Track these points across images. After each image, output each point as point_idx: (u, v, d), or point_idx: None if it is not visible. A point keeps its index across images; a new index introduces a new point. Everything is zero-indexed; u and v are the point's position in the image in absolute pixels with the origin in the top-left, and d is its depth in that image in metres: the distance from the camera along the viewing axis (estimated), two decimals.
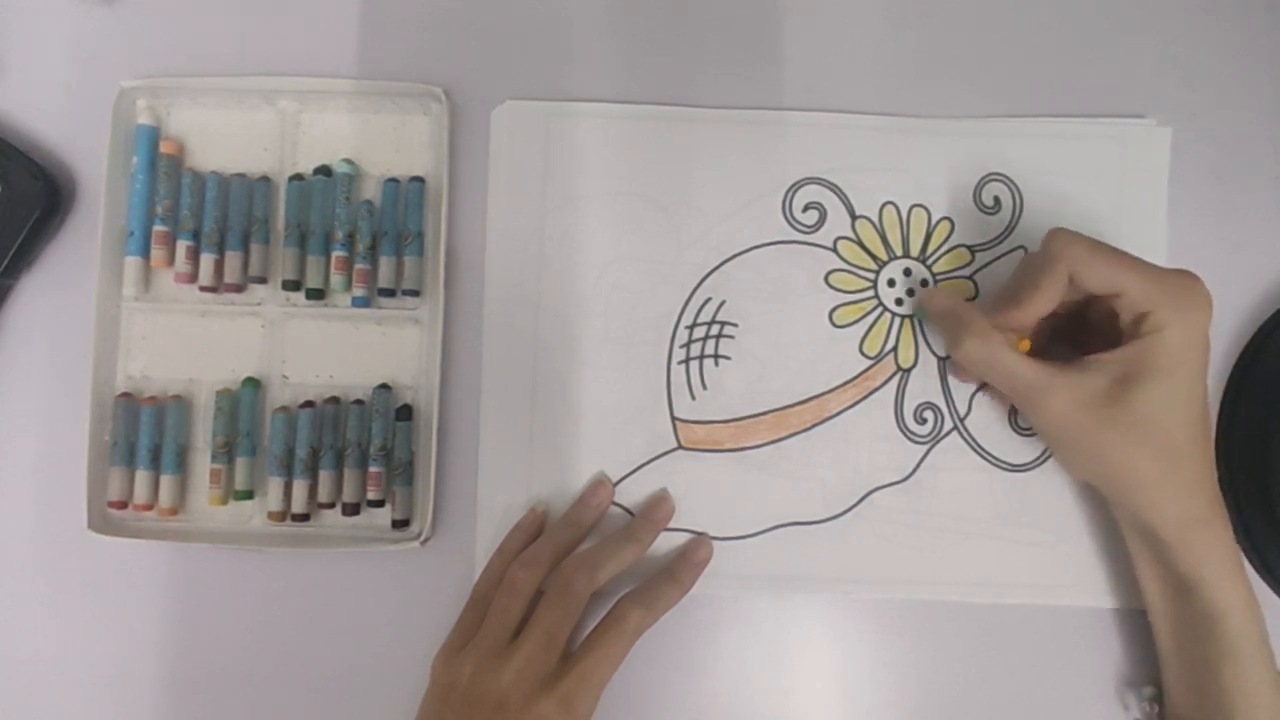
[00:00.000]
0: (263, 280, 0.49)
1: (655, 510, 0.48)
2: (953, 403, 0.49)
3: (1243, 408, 0.48)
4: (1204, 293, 0.42)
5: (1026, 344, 0.44)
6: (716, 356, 0.49)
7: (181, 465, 0.48)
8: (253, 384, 0.48)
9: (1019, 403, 0.44)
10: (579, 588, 0.44)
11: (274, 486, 0.47)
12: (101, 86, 0.48)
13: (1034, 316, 0.43)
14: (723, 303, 0.49)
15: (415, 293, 0.48)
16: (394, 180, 0.49)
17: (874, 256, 0.49)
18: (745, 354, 0.49)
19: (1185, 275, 0.42)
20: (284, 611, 0.48)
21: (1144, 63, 0.50)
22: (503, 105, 0.50)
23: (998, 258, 0.49)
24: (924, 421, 0.49)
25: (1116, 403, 0.41)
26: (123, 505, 0.47)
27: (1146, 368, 0.41)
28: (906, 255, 0.49)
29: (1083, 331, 0.46)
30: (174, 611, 0.48)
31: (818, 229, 0.49)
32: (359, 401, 0.48)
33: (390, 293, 0.48)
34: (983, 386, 0.49)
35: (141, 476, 0.47)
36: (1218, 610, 0.42)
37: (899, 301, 0.49)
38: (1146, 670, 0.47)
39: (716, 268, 0.49)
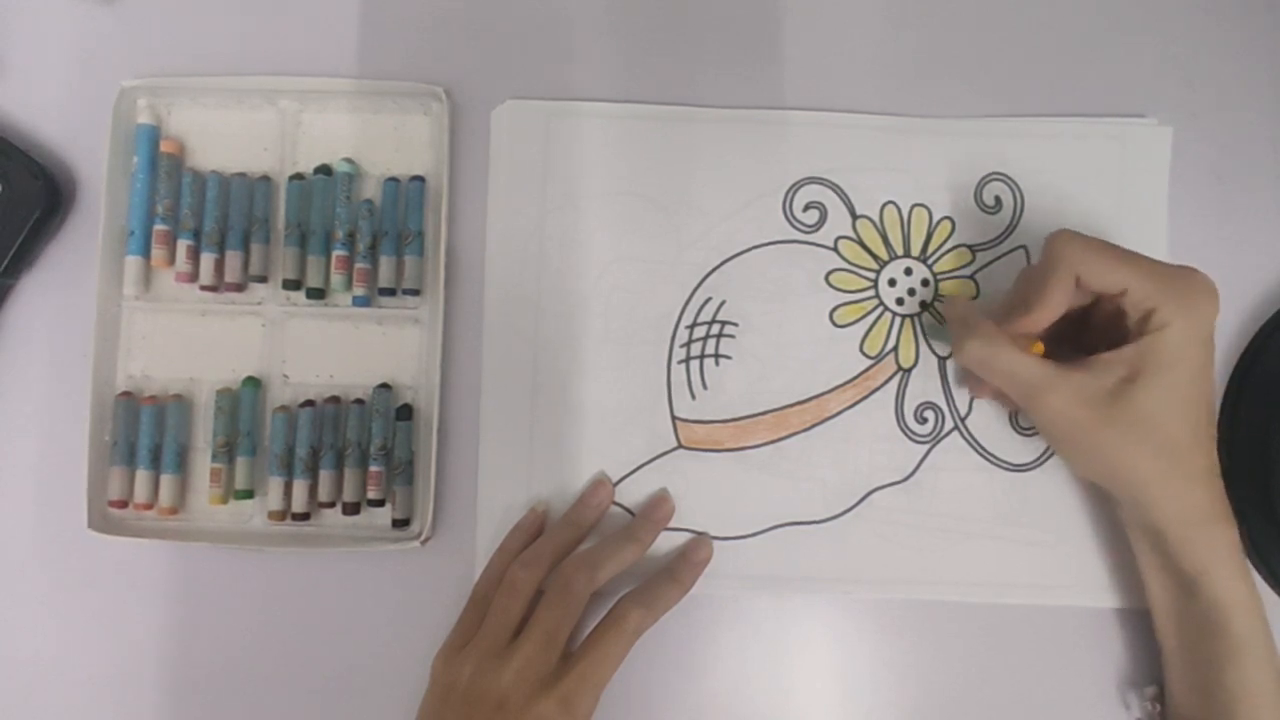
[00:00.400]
0: (263, 279, 0.49)
1: (655, 510, 0.48)
2: (953, 402, 0.49)
3: (1243, 409, 0.48)
4: (1210, 289, 0.42)
5: (1040, 347, 0.44)
6: (717, 356, 0.49)
7: (182, 464, 0.48)
8: (253, 383, 0.48)
9: (1022, 402, 0.44)
10: (579, 588, 0.44)
11: (274, 486, 0.47)
12: (102, 86, 0.48)
13: (1045, 322, 0.43)
14: (723, 302, 0.49)
15: (415, 292, 0.48)
16: (394, 180, 0.49)
17: (875, 256, 0.49)
18: (745, 354, 0.49)
19: (1191, 271, 0.42)
20: (284, 611, 0.48)
21: (1144, 63, 0.50)
22: (503, 105, 0.50)
23: (999, 257, 0.49)
24: (924, 421, 0.49)
25: (1118, 401, 0.41)
26: (123, 504, 0.47)
27: (1149, 364, 0.41)
28: (907, 255, 0.49)
29: (1086, 334, 0.46)
30: (174, 611, 0.48)
31: (818, 228, 0.49)
32: (359, 401, 0.48)
33: (390, 292, 0.48)
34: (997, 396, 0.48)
35: (142, 476, 0.47)
36: (1223, 609, 0.42)
37: (900, 301, 0.49)
38: (1147, 670, 0.47)
39: (717, 267, 0.49)
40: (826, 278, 0.49)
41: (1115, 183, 0.49)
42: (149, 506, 0.48)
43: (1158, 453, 0.42)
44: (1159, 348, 0.41)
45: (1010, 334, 0.43)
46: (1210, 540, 0.42)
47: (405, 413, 0.48)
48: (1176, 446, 0.42)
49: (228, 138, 0.50)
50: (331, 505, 0.48)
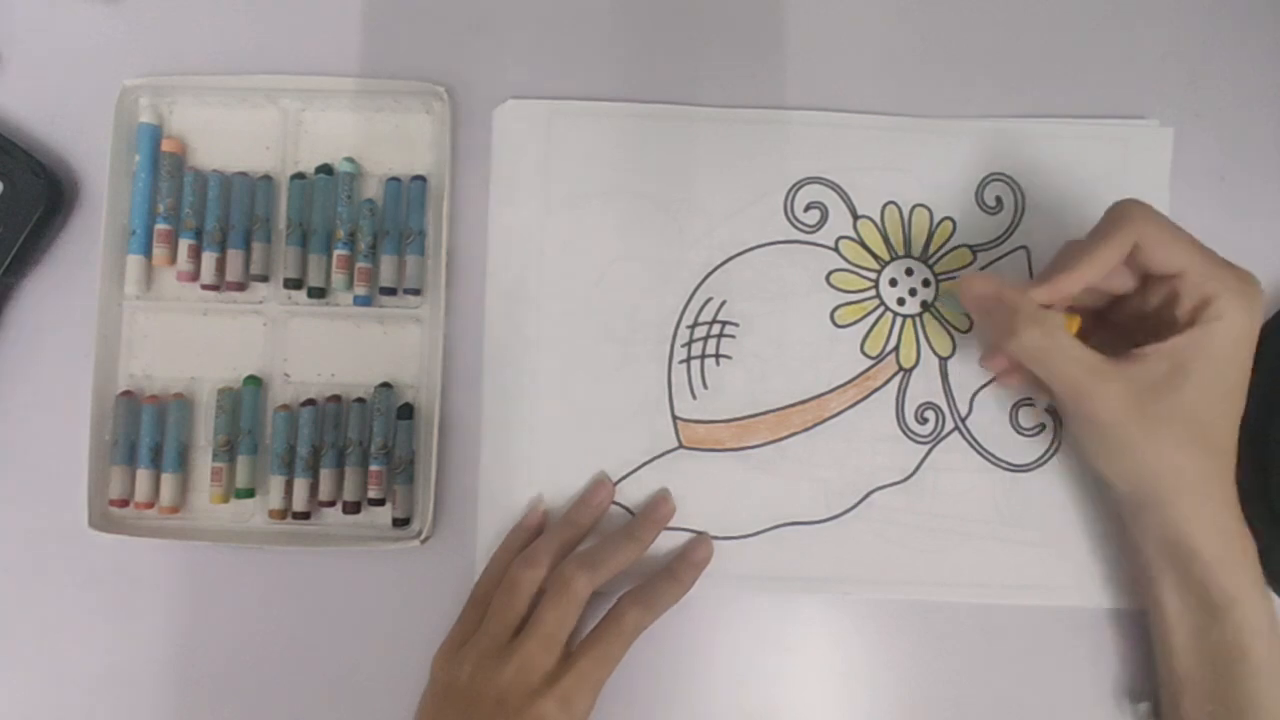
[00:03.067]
0: (265, 279, 0.49)
1: (656, 510, 0.48)
2: (954, 403, 0.49)
3: (1246, 408, 0.48)
4: (1260, 290, 0.40)
5: (1077, 321, 0.42)
6: (718, 356, 0.49)
7: (183, 463, 0.48)
8: (254, 382, 0.48)
9: (1069, 395, 0.41)
10: (579, 587, 0.44)
11: (275, 484, 0.48)
12: (104, 85, 0.48)
13: (1083, 280, 0.41)
14: (724, 302, 0.49)
15: (417, 291, 0.48)
16: (396, 179, 0.49)
17: (876, 256, 0.49)
18: (746, 353, 0.49)
19: (1243, 269, 0.41)
20: (284, 610, 0.48)
21: (1146, 63, 0.50)
22: (505, 104, 0.50)
23: (1000, 258, 0.49)
24: (925, 421, 0.49)
25: (1168, 394, 0.40)
26: (124, 503, 0.48)
27: (1202, 356, 0.39)
28: (908, 255, 0.49)
29: (1118, 337, 0.44)
30: (175, 609, 0.48)
31: (819, 228, 0.49)
32: (360, 400, 0.48)
33: (392, 291, 0.48)
34: (1007, 376, 0.46)
35: (143, 475, 0.47)
36: (1247, 635, 0.40)
37: (900, 301, 0.49)
38: (1147, 672, 0.47)
39: (718, 267, 0.49)
40: (827, 278, 0.49)
41: (1117, 184, 0.49)
42: (150, 505, 0.48)
43: (1202, 455, 0.40)
44: (1213, 340, 0.39)
45: (1039, 296, 0.41)
46: (1241, 564, 0.41)
47: (406, 412, 0.48)
48: (1220, 451, 0.41)
49: (229, 137, 0.50)
50: (332, 504, 0.48)
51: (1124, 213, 0.41)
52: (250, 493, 0.48)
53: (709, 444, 0.48)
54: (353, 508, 0.48)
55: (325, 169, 0.49)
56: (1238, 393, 0.41)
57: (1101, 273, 0.41)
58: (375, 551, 0.48)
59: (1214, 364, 0.40)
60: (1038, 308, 0.41)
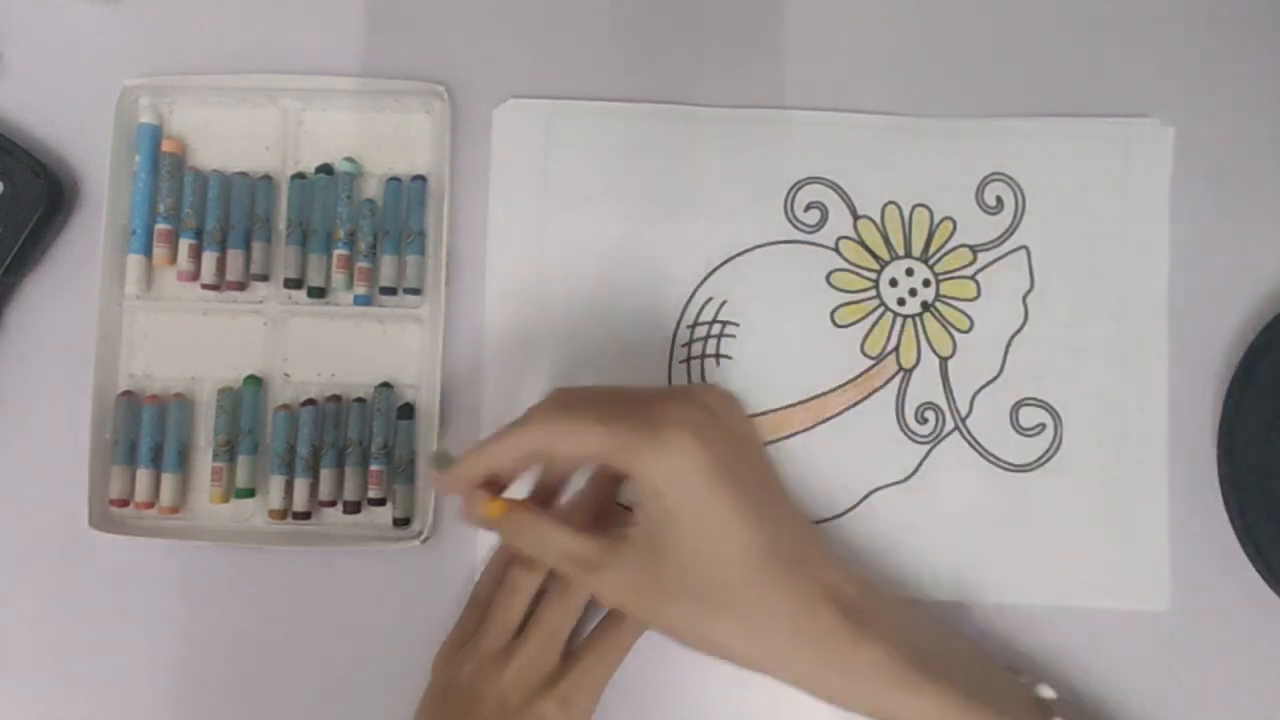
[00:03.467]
0: (265, 278, 0.49)
1: None
2: (954, 403, 0.49)
3: (1246, 408, 0.48)
4: (680, 420, 0.36)
5: (498, 506, 0.40)
6: (718, 356, 0.49)
7: (183, 463, 0.48)
8: (254, 382, 0.48)
9: (588, 588, 0.40)
10: (579, 587, 0.44)
11: (275, 484, 0.48)
12: (104, 84, 0.48)
13: (479, 466, 0.39)
14: (724, 303, 0.49)
15: (417, 291, 0.48)
16: (396, 179, 0.49)
17: (876, 256, 0.49)
18: (746, 354, 0.49)
19: (660, 405, 0.37)
20: (284, 609, 0.48)
21: (1147, 62, 0.50)
22: (505, 104, 0.50)
23: (1000, 258, 0.49)
24: (925, 421, 0.49)
25: (660, 571, 0.36)
26: (124, 503, 0.48)
27: (661, 526, 0.36)
28: (909, 255, 0.49)
29: None
30: (174, 609, 0.48)
31: (820, 228, 0.49)
32: (360, 400, 0.48)
33: (392, 291, 0.48)
34: None
35: (143, 474, 0.47)
36: None
37: (901, 301, 0.49)
38: (1147, 671, 0.47)
39: (718, 267, 0.49)
40: (828, 278, 0.49)
41: (1117, 183, 0.49)
42: (150, 505, 0.48)
43: (740, 621, 0.36)
44: (655, 506, 0.36)
45: (445, 485, 0.40)
46: (898, 693, 0.37)
47: (406, 411, 0.48)
48: (756, 610, 0.36)
49: (229, 137, 0.50)
50: (332, 504, 0.48)
51: (533, 410, 0.38)
52: (250, 493, 0.48)
53: None
54: (353, 508, 0.48)
55: (325, 169, 0.49)
56: (724, 543, 0.36)
57: (493, 463, 0.39)
58: (375, 551, 0.48)
59: (675, 527, 0.36)
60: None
